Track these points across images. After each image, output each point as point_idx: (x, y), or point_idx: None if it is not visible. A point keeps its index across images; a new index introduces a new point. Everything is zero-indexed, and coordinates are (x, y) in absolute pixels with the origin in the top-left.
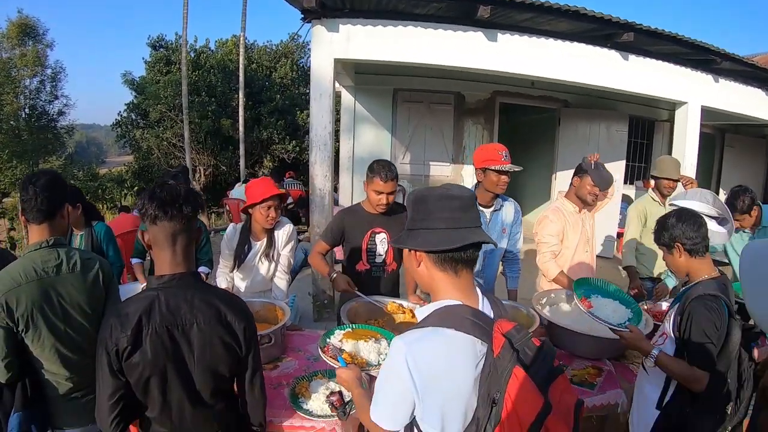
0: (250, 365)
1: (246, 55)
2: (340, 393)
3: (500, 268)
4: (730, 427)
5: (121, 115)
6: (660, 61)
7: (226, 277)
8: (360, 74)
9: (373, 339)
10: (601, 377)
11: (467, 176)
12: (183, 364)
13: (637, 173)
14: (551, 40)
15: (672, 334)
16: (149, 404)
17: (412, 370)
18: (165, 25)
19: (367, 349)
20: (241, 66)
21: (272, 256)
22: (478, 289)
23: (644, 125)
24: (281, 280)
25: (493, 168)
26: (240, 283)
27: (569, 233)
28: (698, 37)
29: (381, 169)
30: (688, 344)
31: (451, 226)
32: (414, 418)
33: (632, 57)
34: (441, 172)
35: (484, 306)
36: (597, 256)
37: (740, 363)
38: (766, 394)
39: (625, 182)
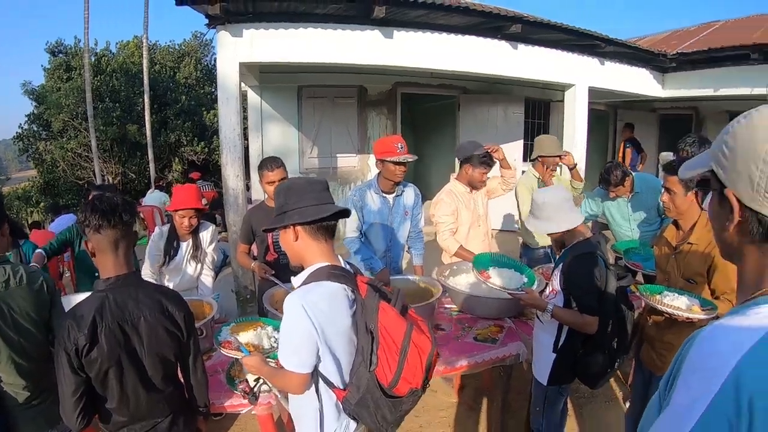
0: (191, 349)
1: (149, 56)
2: (246, 381)
3: (406, 247)
4: (619, 360)
5: (23, 128)
6: (547, 48)
7: (152, 279)
8: (265, 73)
9: (260, 327)
10: (503, 333)
11: (373, 165)
12: (135, 353)
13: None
14: (444, 34)
15: (560, 289)
16: (108, 396)
17: (310, 313)
18: (63, 29)
19: (259, 337)
20: (145, 68)
21: (199, 257)
22: (338, 254)
23: (540, 106)
24: (207, 277)
25: (390, 160)
26: (167, 284)
27: (462, 212)
28: (594, 24)
29: (266, 162)
30: (575, 296)
31: (320, 202)
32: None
33: (521, 46)
34: (348, 163)
35: (346, 266)
36: (501, 230)
37: (617, 305)
38: (643, 332)
39: (524, 160)
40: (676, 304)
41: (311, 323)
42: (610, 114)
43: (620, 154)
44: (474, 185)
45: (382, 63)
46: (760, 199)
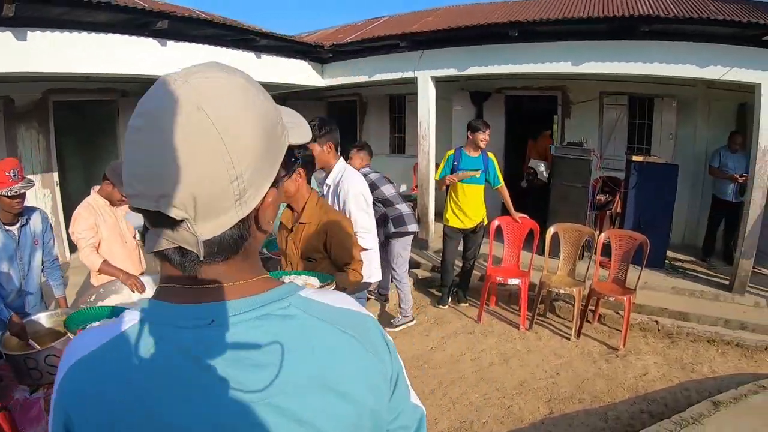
0: None
1: None
2: None
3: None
4: None
5: None
6: (199, 44)
7: None
8: None
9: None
10: None
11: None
12: None
13: None
14: (85, 33)
15: None
16: None
17: None
18: None
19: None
20: None
21: None
22: None
23: None
24: None
25: (1, 193)
26: None
27: (101, 225)
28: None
29: None
30: None
31: None
32: None
33: (170, 43)
34: None
35: None
36: None
37: None
38: None
39: None
40: None
41: None
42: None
43: None
44: (113, 203)
45: (19, 70)
46: None
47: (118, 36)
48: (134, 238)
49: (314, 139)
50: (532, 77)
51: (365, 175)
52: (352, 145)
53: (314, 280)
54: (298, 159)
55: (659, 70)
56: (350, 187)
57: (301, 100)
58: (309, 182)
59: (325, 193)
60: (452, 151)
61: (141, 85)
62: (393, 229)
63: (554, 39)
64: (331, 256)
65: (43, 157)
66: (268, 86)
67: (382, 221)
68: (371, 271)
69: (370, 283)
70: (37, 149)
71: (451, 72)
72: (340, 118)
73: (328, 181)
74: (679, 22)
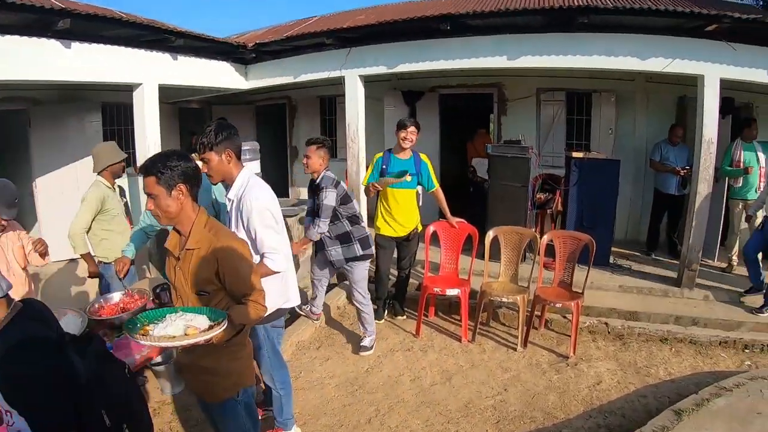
0: None
1: None
2: None
3: None
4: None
5: None
6: (108, 45)
7: None
8: None
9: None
10: None
11: None
12: None
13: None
14: None
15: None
16: None
17: None
18: None
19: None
20: None
21: None
22: None
23: (120, 110)
24: None
25: None
26: None
27: None
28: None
29: None
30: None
31: None
32: None
33: (75, 44)
34: None
35: None
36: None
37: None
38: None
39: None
40: (170, 330)
41: None
42: (205, 110)
43: None
44: None
45: None
46: None
47: (17, 38)
48: (24, 268)
49: (210, 147)
50: (467, 74)
51: (337, 184)
52: (309, 141)
53: (201, 320)
54: None
55: (599, 63)
56: (254, 201)
57: (227, 104)
58: (195, 200)
59: (228, 209)
60: (381, 154)
61: (55, 91)
62: (360, 252)
63: (489, 33)
64: (226, 288)
65: None
66: (187, 90)
67: (343, 240)
68: (288, 295)
69: (285, 310)
70: None
71: (381, 70)
72: (269, 122)
73: (230, 195)
74: (618, 14)
